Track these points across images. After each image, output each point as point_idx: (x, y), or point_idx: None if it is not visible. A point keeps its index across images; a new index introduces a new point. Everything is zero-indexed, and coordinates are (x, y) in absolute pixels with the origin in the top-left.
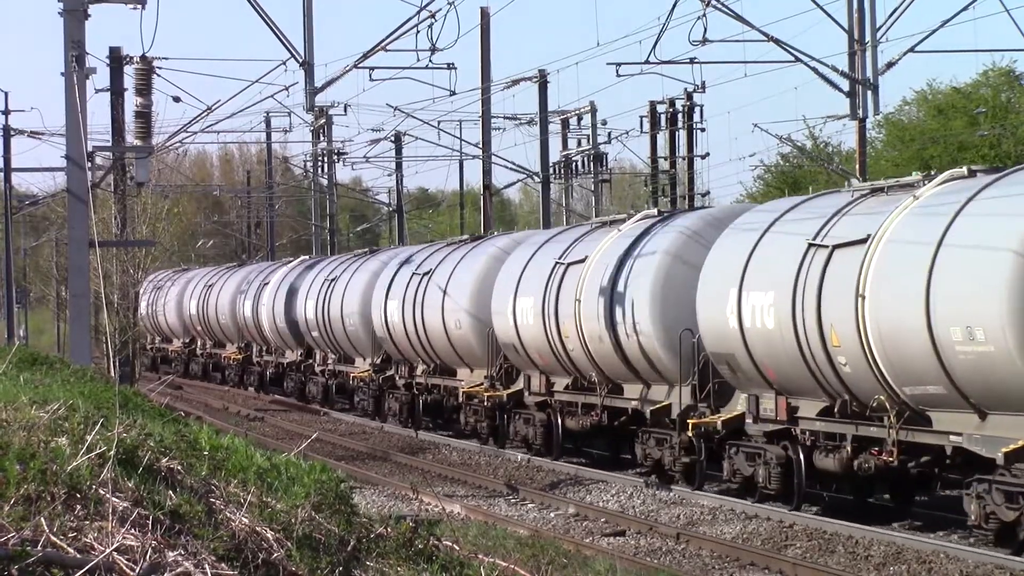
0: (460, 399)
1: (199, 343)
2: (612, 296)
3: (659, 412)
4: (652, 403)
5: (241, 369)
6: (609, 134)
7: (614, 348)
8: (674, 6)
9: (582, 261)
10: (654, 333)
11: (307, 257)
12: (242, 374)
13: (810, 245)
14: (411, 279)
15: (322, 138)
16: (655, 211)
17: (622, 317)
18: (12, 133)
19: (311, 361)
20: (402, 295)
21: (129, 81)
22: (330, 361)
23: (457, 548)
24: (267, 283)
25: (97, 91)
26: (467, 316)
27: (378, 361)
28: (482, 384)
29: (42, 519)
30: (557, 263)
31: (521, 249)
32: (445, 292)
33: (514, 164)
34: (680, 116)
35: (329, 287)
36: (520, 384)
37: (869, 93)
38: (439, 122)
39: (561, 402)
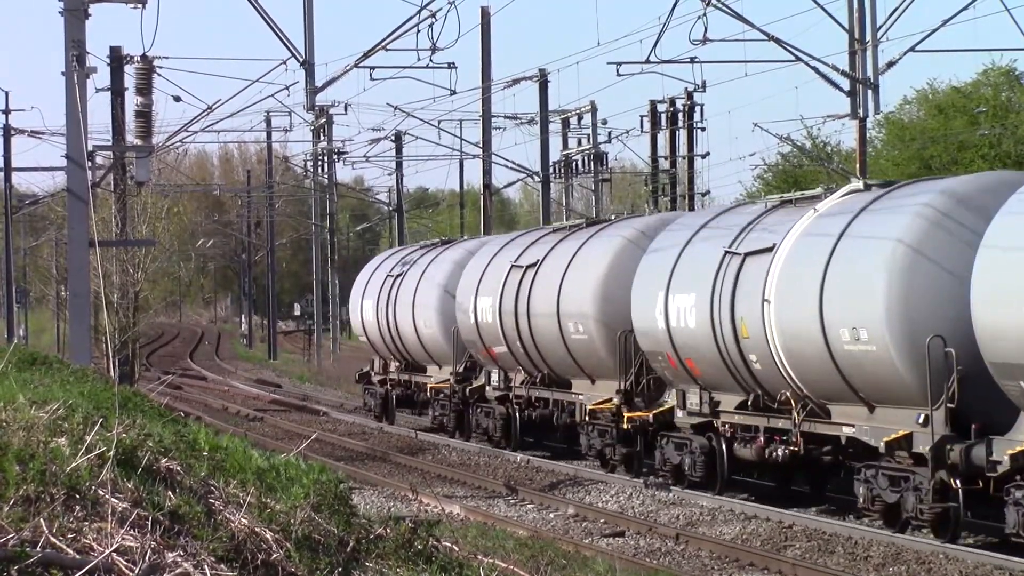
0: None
1: (497, 376)
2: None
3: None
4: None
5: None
6: (609, 133)
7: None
8: (675, 6)
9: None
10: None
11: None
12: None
13: None
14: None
15: (322, 137)
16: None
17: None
18: (12, 132)
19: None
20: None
21: (129, 80)
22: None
23: (456, 549)
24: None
25: (97, 90)
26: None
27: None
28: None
29: (41, 520)
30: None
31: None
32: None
33: (514, 164)
34: (680, 115)
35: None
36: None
37: (869, 92)
38: (439, 121)
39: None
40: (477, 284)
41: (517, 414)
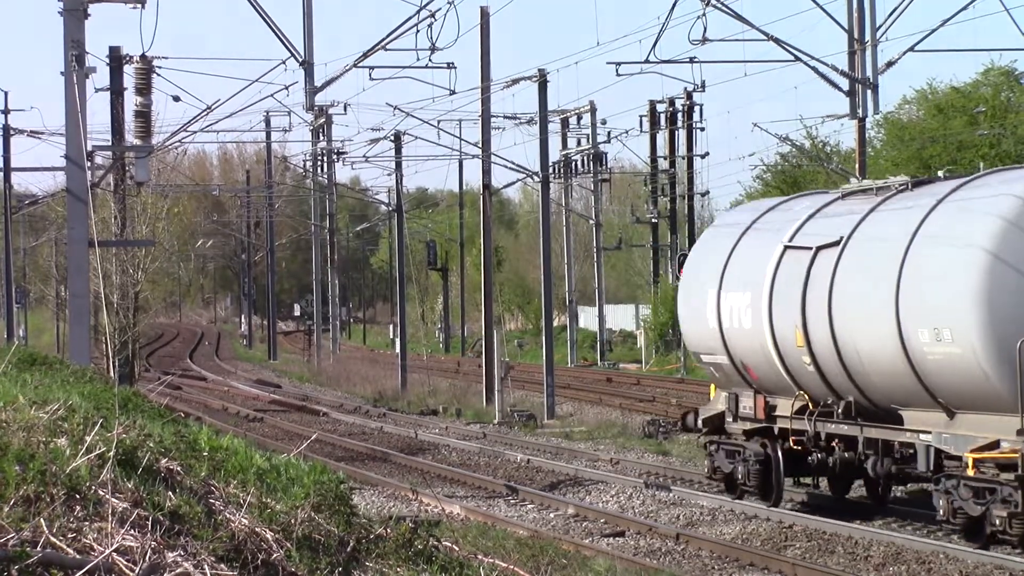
0: None
1: None
2: None
3: None
4: None
5: None
6: (609, 133)
7: None
8: (674, 5)
9: None
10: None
11: None
12: None
13: None
14: None
15: (322, 137)
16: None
17: None
18: (12, 132)
19: None
20: None
21: (129, 80)
22: None
23: (457, 549)
24: None
25: (97, 90)
26: None
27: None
28: None
29: (42, 520)
30: None
31: None
32: None
33: (514, 164)
34: (680, 115)
35: None
36: None
37: (869, 92)
38: (439, 121)
39: None
40: None
41: None
